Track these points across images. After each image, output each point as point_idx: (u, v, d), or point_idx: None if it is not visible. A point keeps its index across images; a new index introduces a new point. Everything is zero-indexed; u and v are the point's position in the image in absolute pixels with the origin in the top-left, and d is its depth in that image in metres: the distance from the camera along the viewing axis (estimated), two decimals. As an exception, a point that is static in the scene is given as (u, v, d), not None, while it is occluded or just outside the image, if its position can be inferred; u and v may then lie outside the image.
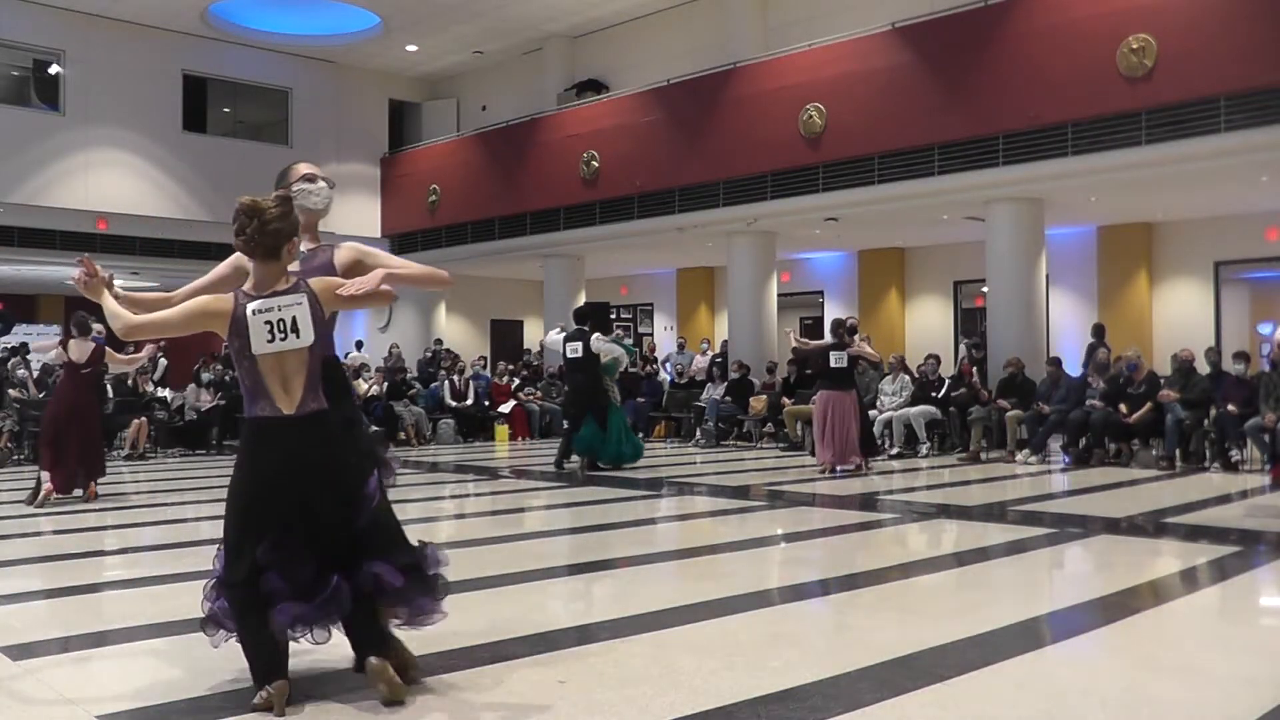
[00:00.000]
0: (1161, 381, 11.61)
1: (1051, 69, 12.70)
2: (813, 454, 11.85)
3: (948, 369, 14.43)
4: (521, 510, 8.97)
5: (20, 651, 4.09)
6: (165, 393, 15.64)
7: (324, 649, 3.58)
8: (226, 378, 14.86)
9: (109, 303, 3.62)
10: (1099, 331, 13.89)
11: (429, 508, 8.76)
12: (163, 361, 16.38)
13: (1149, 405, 11.36)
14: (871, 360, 12.44)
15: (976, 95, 13.40)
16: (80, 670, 4.03)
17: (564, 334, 11.92)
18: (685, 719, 3.29)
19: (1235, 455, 11.04)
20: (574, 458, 11.55)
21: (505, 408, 16.66)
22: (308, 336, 3.41)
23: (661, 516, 8.44)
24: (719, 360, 16.36)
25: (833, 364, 11.11)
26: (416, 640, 3.76)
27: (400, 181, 21.82)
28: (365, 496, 3.51)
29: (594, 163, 17.77)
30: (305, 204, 3.85)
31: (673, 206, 16.66)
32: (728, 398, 15.41)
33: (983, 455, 12.48)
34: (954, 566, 6.19)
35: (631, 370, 16.14)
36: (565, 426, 12.08)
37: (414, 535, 3.80)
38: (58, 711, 3.42)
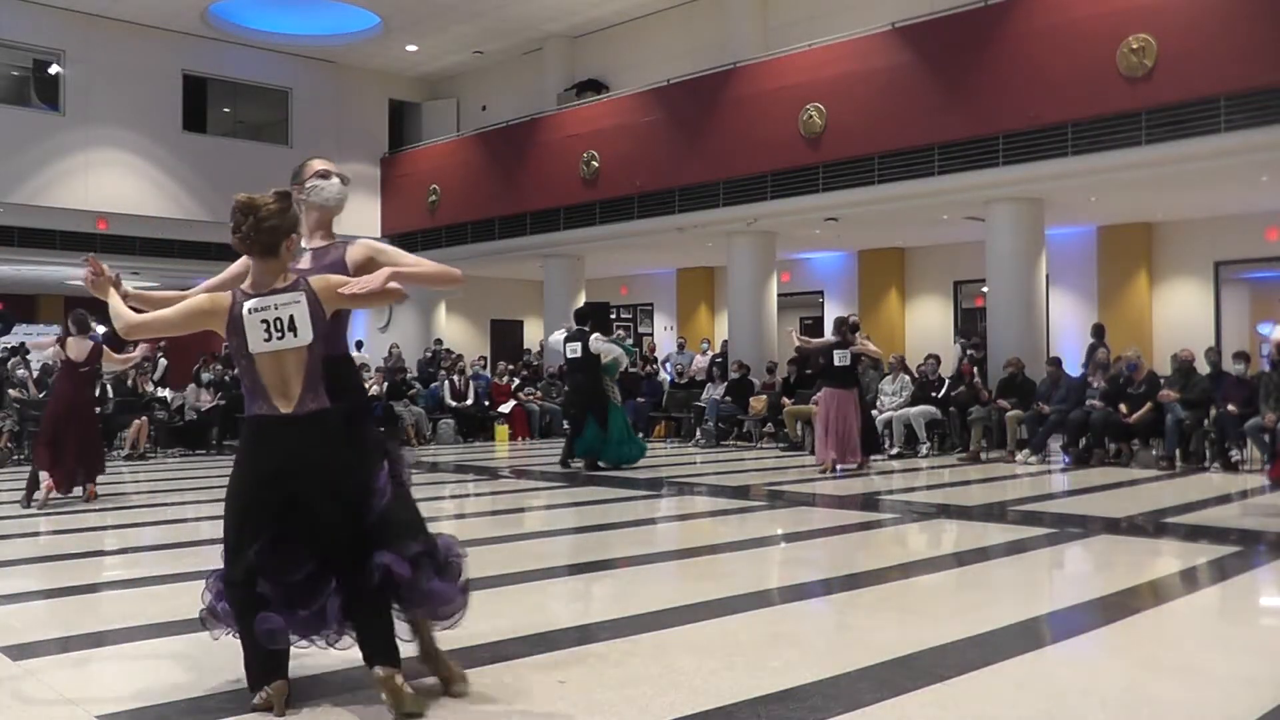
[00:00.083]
0: (1161, 381, 11.61)
1: (1051, 69, 12.70)
2: (813, 453, 11.85)
3: (948, 369, 14.44)
4: (521, 510, 8.97)
5: (20, 651, 4.09)
6: (165, 393, 15.64)
7: (324, 649, 3.57)
8: (226, 378, 14.87)
9: (113, 301, 3.60)
10: (1099, 331, 13.89)
11: (429, 508, 8.65)
12: (163, 361, 16.38)
13: (1149, 405, 11.36)
14: (874, 357, 12.43)
15: (976, 95, 13.40)
16: (80, 670, 4.03)
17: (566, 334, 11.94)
18: (685, 719, 3.29)
19: (1235, 455, 11.04)
20: (575, 460, 11.58)
21: (505, 408, 16.66)
22: (306, 335, 3.37)
23: (661, 516, 8.44)
24: (719, 360, 16.36)
25: (836, 362, 11.12)
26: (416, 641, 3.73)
27: (400, 181, 21.83)
28: (374, 492, 3.46)
29: (594, 163, 17.77)
30: (317, 200, 3.81)
31: (673, 206, 16.66)
32: (728, 398, 15.41)
33: (983, 455, 12.48)
34: (954, 566, 6.19)
35: (631, 370, 16.14)
36: (566, 427, 12.08)
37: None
38: (58, 711, 3.41)
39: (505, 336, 23.92)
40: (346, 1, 18.23)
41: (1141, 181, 12.74)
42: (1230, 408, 10.76)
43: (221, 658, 3.70)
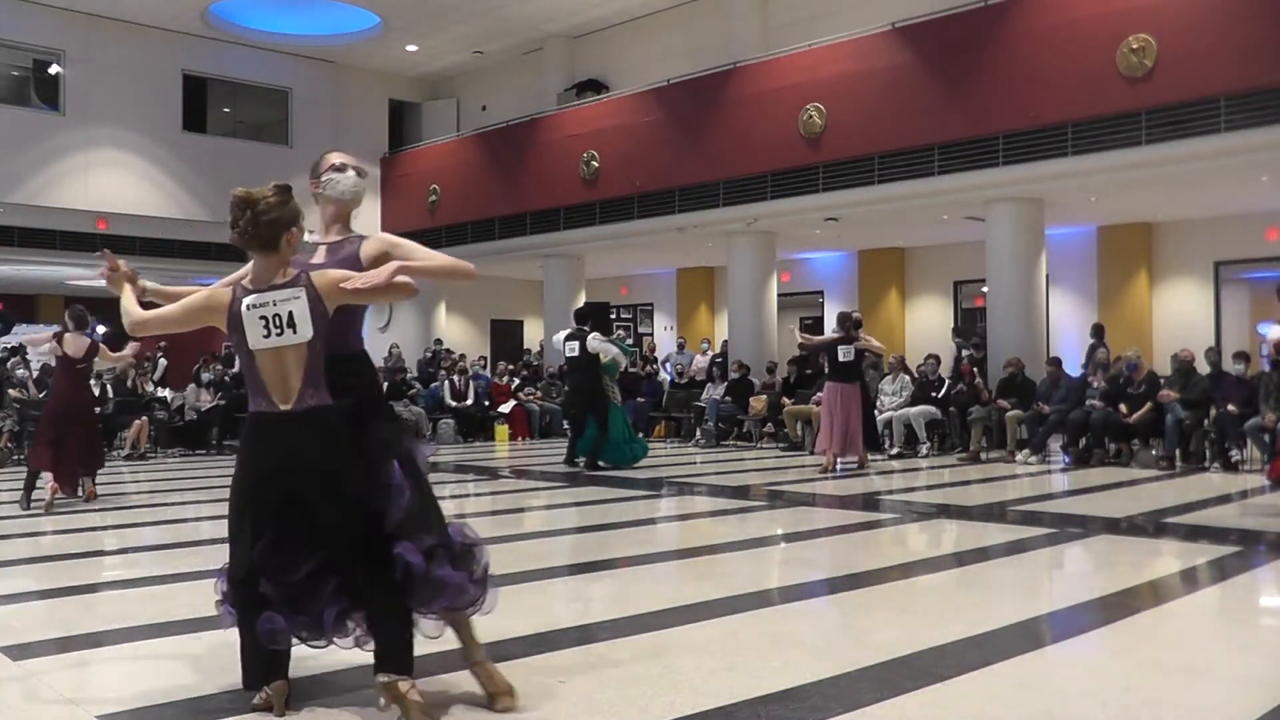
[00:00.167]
0: (1161, 381, 11.61)
1: (1051, 69, 12.70)
2: (813, 451, 11.84)
3: (947, 369, 14.44)
4: (521, 510, 8.97)
5: (20, 652, 4.09)
6: (165, 393, 15.63)
7: (324, 650, 3.56)
8: (226, 378, 14.87)
9: (125, 297, 3.59)
10: (1099, 331, 13.89)
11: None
12: (163, 362, 16.38)
13: (1149, 405, 11.36)
14: (876, 352, 12.43)
15: (976, 95, 13.41)
16: (80, 670, 4.02)
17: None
18: (685, 719, 3.29)
19: (1235, 455, 11.04)
20: (579, 459, 11.60)
21: (505, 408, 16.66)
22: (305, 332, 3.32)
23: (661, 516, 8.44)
24: (719, 360, 16.36)
25: (840, 357, 11.12)
26: (417, 640, 3.69)
27: (400, 181, 21.82)
28: (388, 491, 3.39)
29: (594, 163, 17.77)
30: (332, 194, 3.76)
31: (673, 206, 16.66)
32: (728, 398, 15.41)
33: (983, 455, 12.48)
34: (954, 566, 6.19)
35: (631, 370, 16.15)
36: (566, 427, 12.08)
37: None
38: (58, 711, 3.41)
39: (505, 336, 23.92)
40: (346, 1, 18.23)
41: (1141, 181, 12.74)
42: (1230, 408, 10.76)
43: (221, 658, 3.70)
